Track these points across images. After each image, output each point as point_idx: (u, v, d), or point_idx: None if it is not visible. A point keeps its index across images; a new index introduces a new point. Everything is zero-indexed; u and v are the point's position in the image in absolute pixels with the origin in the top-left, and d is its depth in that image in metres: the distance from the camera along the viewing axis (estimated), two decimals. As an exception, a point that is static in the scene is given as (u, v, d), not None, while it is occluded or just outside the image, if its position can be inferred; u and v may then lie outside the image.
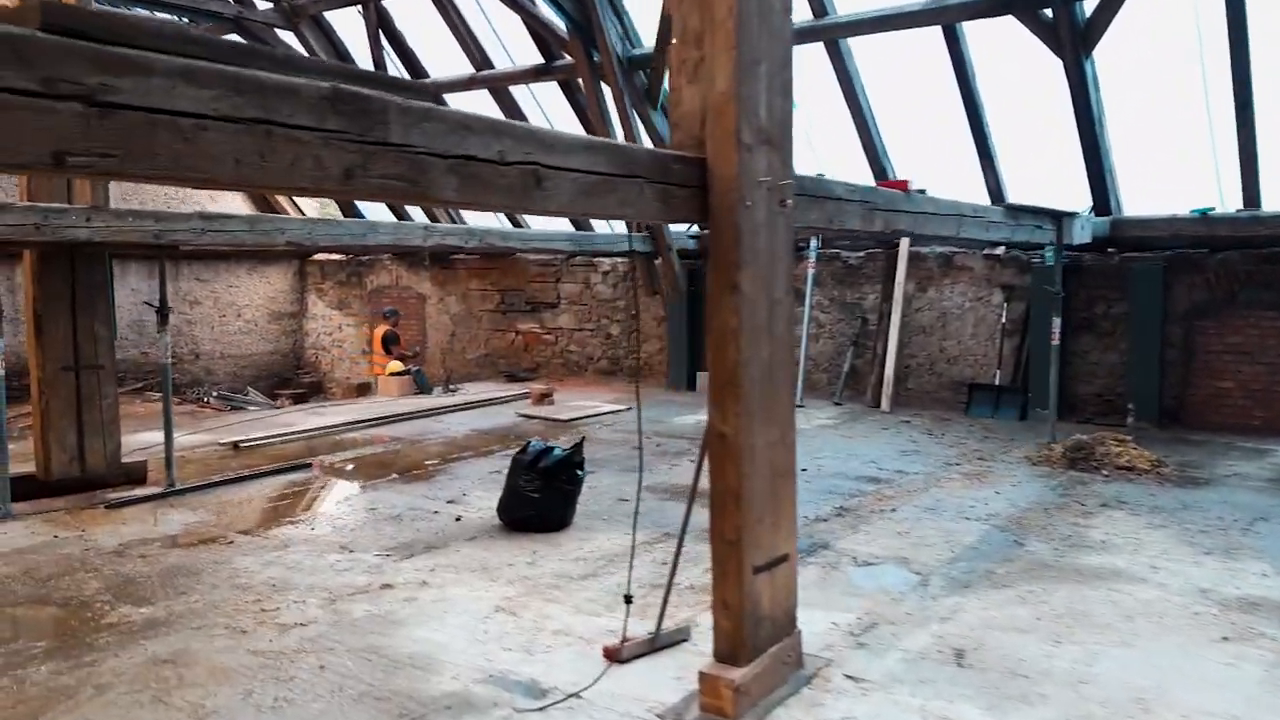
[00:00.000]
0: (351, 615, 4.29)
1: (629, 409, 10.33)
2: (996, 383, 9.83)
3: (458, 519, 5.92)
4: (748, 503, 3.36)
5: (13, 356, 13.11)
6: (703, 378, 11.84)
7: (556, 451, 5.60)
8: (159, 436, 8.07)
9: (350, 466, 7.61)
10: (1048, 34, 8.17)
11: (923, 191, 5.23)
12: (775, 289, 3.52)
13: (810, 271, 10.74)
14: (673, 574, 4.01)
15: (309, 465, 7.52)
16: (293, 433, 8.85)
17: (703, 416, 9.73)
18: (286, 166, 2.05)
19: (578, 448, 5.74)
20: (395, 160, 2.28)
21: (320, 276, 16.51)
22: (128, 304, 14.45)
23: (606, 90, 10.25)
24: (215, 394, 14.81)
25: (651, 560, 5.08)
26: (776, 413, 3.56)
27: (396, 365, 12.83)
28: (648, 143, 10.60)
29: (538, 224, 12.11)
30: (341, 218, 12.94)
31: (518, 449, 5.88)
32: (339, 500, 6.50)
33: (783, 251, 3.57)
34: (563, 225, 12.23)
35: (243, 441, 8.36)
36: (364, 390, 15.54)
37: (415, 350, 13.79)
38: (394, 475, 7.24)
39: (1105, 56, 8.30)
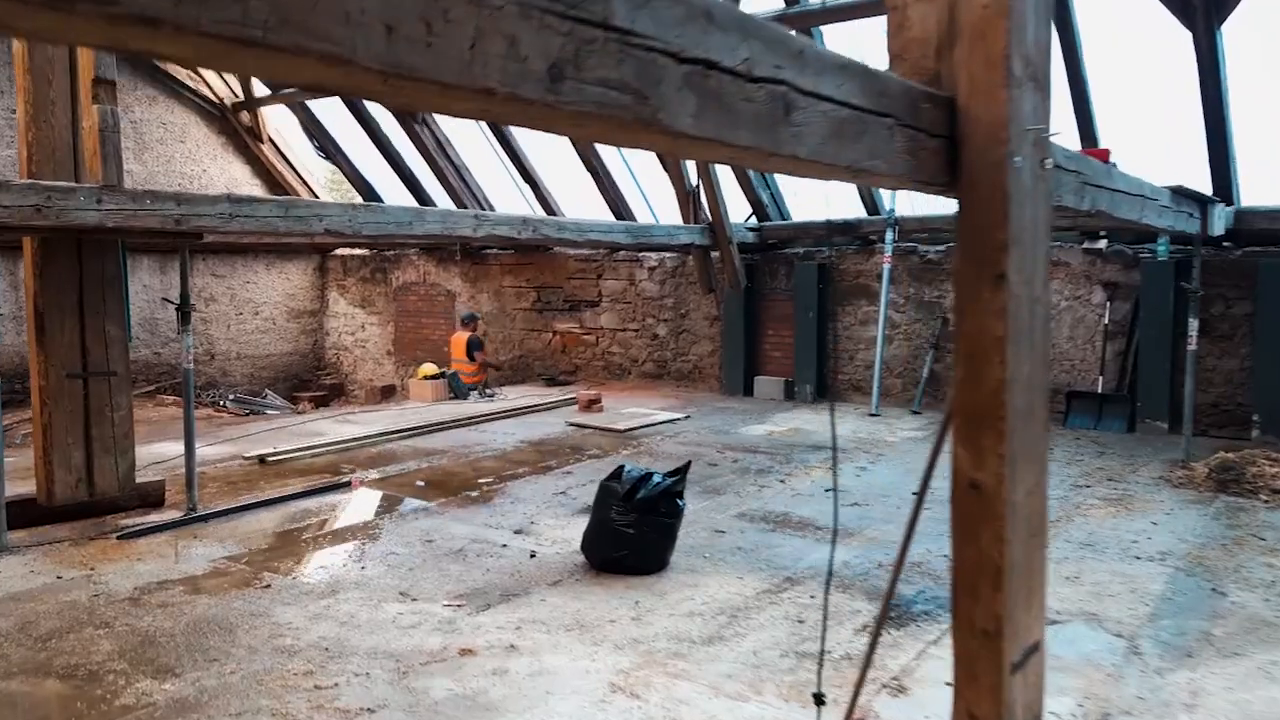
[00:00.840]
0: (431, 696, 3.38)
1: (687, 417, 9.42)
2: (1099, 390, 8.88)
3: (532, 555, 5.01)
4: (1009, 579, 2.43)
5: (16, 357, 12.30)
6: (762, 383, 10.93)
7: (657, 479, 4.69)
8: (175, 448, 7.21)
9: (395, 486, 6.71)
10: (1177, 3, 7.26)
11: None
12: (1037, 282, 2.59)
13: (886, 266, 9.81)
14: (868, 662, 3.08)
15: (348, 484, 6.63)
16: (323, 444, 7.95)
17: (774, 427, 8.84)
18: (465, 49, 1.14)
19: (682, 475, 4.82)
20: (617, 57, 1.36)
21: (342, 272, 15.63)
22: (139, 301, 13.59)
23: None
24: (232, 397, 13.95)
25: (783, 617, 4.16)
26: (1034, 449, 2.63)
27: (471, 369, 12.07)
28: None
29: (579, 213, 11.20)
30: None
31: (606, 476, 4.95)
32: (389, 529, 5.60)
33: (1045, 229, 2.63)
34: (606, 214, 11.34)
35: (269, 455, 7.47)
36: (388, 393, 14.67)
37: (499, 367, 12.93)
38: (446, 497, 6.34)
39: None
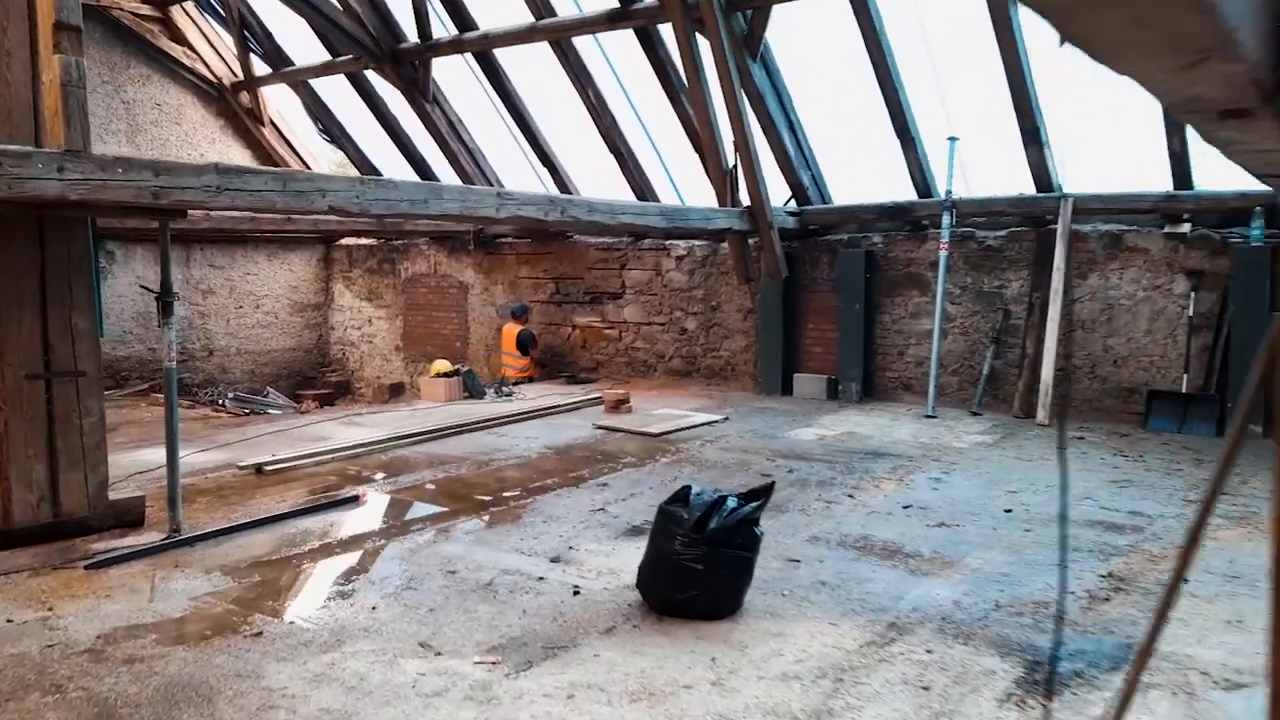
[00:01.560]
0: (467, 804, 2.57)
1: (725, 419, 8.60)
2: (1183, 389, 8.04)
3: (576, 592, 4.19)
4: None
5: None
6: (802, 381, 10.10)
7: (732, 504, 3.86)
8: (164, 454, 6.42)
9: (409, 500, 5.90)
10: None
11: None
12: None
13: (942, 254, 8.96)
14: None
15: (355, 499, 5.82)
16: (327, 451, 7.15)
17: (824, 430, 8.00)
18: None
19: (764, 499, 3.99)
20: None
21: (347, 263, 14.83)
22: (132, 293, 12.82)
23: (701, 41, 8.51)
24: (231, 395, 13.16)
25: (901, 680, 3.32)
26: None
27: (522, 364, 11.34)
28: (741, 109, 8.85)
29: (602, 196, 10.35)
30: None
31: (668, 499, 4.12)
32: (403, 556, 4.79)
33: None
34: (624, 196, 10.50)
35: (267, 464, 6.66)
36: (397, 391, 13.88)
37: (542, 360, 12.15)
38: (469, 515, 5.53)
39: None
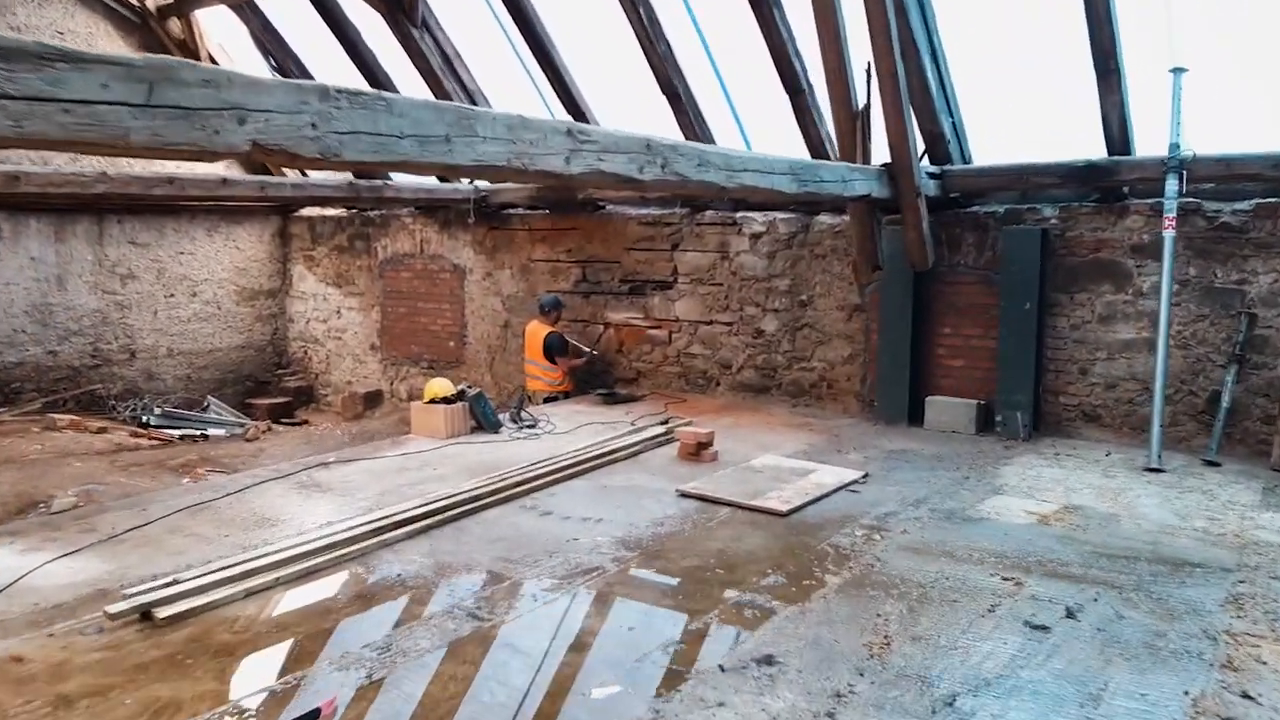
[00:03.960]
0: None
1: (864, 477, 5.88)
2: None
3: None
4: None
5: None
6: (937, 406, 7.34)
7: None
8: (29, 558, 3.64)
9: (406, 713, 3.10)
10: None
11: None
12: None
13: (1168, 234, 6.24)
14: None
15: (316, 715, 3.02)
16: (269, 563, 4.31)
17: (1029, 502, 4.48)
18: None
19: None
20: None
21: (309, 239, 11.87)
22: (25, 278, 9.85)
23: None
24: (159, 411, 10.25)
25: None
26: None
27: (552, 376, 8.63)
28: None
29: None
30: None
31: None
32: None
33: None
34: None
35: (162, 601, 3.83)
36: (373, 402, 11.02)
37: (593, 350, 9.29)
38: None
39: None
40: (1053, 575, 4.23)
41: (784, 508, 5.18)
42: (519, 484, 5.68)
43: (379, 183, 9.43)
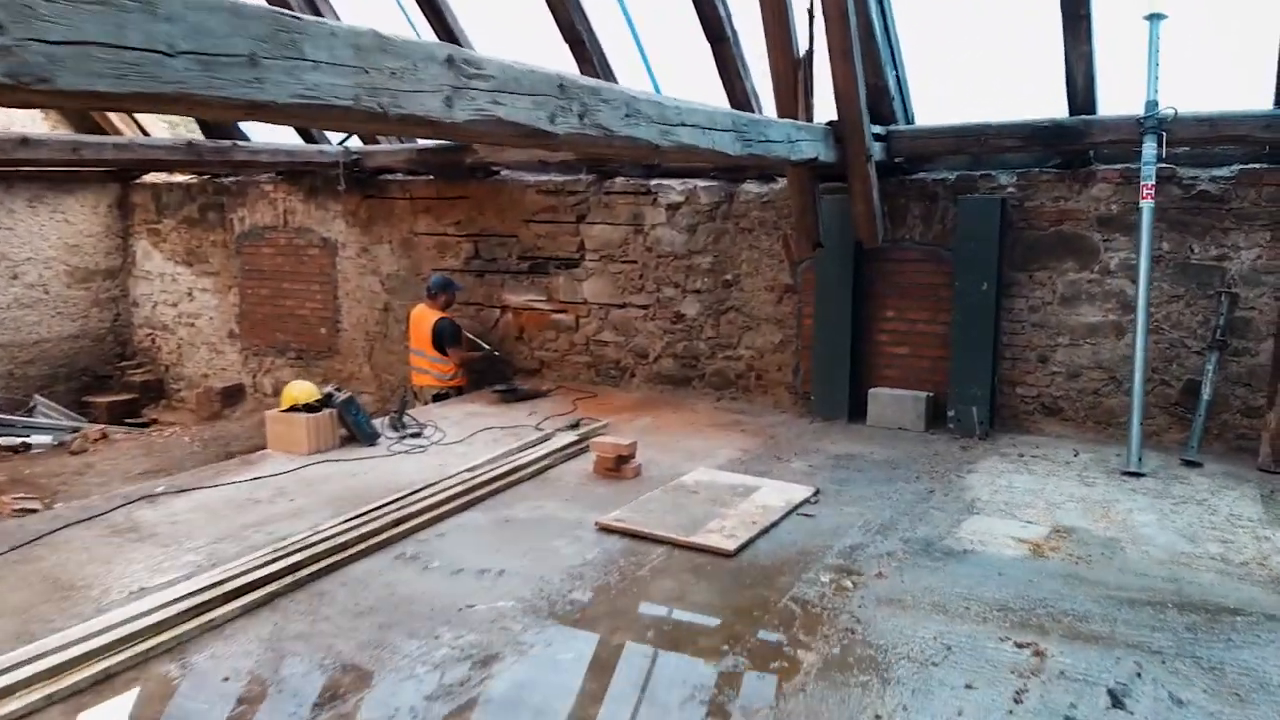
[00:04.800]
0: None
1: (816, 493, 4.97)
2: None
3: None
4: None
5: None
6: (881, 400, 6.49)
7: None
8: None
9: None
10: None
11: None
12: None
13: (1145, 204, 5.49)
14: None
15: None
16: (37, 669, 3.09)
17: (1011, 525, 3.71)
18: None
19: None
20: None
21: (155, 211, 10.27)
22: None
23: None
24: (-34, 417, 8.63)
25: None
26: None
27: (442, 369, 7.43)
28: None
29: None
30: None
31: None
32: None
33: None
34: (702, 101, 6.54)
35: None
36: (233, 398, 9.61)
37: (494, 350, 8.01)
38: None
39: None
40: (1075, 636, 3.38)
41: (730, 545, 4.20)
42: (397, 521, 4.54)
43: (227, 143, 7.98)
